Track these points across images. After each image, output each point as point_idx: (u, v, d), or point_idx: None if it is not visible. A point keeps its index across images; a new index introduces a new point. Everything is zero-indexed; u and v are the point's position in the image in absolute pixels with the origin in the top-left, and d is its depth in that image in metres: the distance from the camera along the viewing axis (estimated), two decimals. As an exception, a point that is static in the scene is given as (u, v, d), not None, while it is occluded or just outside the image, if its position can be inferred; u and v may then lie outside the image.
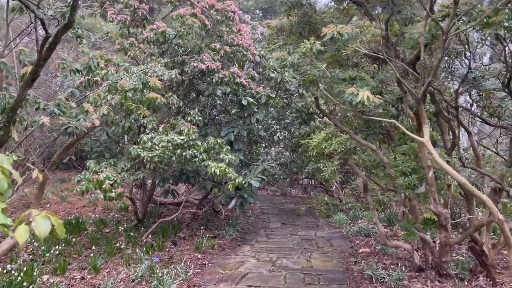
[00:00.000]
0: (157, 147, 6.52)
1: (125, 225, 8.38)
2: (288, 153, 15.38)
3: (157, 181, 8.36)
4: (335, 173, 5.78)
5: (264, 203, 13.26)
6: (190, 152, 6.89)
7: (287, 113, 13.36)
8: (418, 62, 4.94)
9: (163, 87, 8.33)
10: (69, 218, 8.61)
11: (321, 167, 5.95)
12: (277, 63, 7.52)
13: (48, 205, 11.35)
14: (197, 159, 7.08)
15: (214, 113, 10.99)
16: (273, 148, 16.94)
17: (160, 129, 6.96)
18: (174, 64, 8.40)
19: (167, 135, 6.92)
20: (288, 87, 9.35)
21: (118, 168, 7.03)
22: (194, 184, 8.61)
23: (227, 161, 7.28)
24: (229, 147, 7.61)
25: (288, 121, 13.27)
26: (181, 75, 8.62)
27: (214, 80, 8.00)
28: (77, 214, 9.38)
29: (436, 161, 4.11)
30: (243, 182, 7.37)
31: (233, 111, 10.83)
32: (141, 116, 7.18)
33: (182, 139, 6.80)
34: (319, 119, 10.73)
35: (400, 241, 6.64)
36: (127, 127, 7.79)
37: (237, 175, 7.28)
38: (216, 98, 10.35)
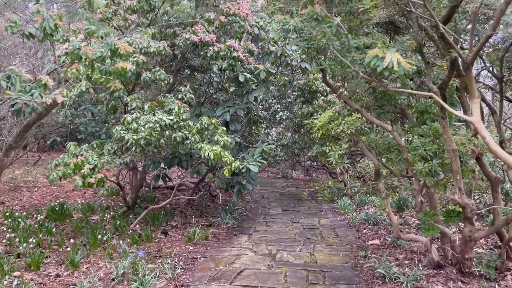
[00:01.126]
0: (142, 129, 5.82)
1: (113, 212, 7.77)
2: (289, 133, 14.70)
3: (147, 164, 7.69)
4: (343, 157, 5.07)
5: (264, 186, 12.64)
6: (181, 133, 6.18)
7: (288, 91, 12.58)
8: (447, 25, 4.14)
9: (152, 61, 7.55)
10: (55, 204, 7.99)
11: (327, 150, 5.24)
12: (277, 28, 6.69)
13: (36, 189, 10.76)
14: (188, 142, 6.40)
15: (211, 91, 10.24)
16: (274, 129, 16.25)
17: (146, 107, 6.23)
18: (163, 36, 7.60)
19: (154, 114, 6.21)
20: (290, 62, 8.58)
21: (105, 150, 6.35)
22: (187, 168, 7.95)
23: (222, 143, 6.60)
24: (224, 128, 6.90)
25: (290, 100, 12.50)
26: (172, 49, 7.84)
27: (208, 54, 7.21)
28: (64, 199, 8.77)
29: (490, 148, 3.36)
30: (241, 167, 6.70)
31: (231, 89, 10.08)
32: (122, 92, 6.46)
33: (171, 120, 6.08)
34: (322, 97, 9.95)
35: (413, 234, 6.00)
36: (111, 106, 7.07)
37: (233, 159, 6.60)
38: (213, 75, 9.60)
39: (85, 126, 9.45)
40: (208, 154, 6.26)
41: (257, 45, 8.73)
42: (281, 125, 15.08)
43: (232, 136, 7.51)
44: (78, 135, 9.79)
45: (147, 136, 5.79)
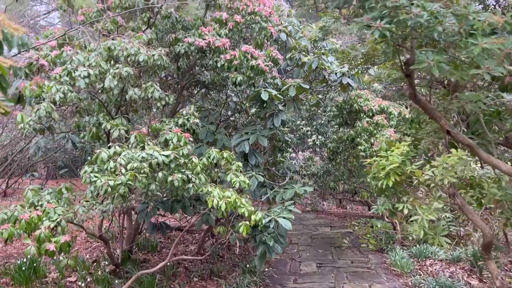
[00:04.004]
0: (123, 170, 3.99)
1: (99, 272, 5.94)
2: (317, 158, 12.69)
3: (140, 212, 5.85)
4: (438, 226, 3.04)
5: (292, 224, 10.56)
6: (180, 175, 4.33)
7: (319, 111, 10.67)
8: None
9: (153, 77, 5.81)
10: (24, 260, 6.23)
11: (404, 209, 3.24)
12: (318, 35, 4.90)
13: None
14: (191, 185, 4.54)
15: (228, 114, 8.45)
16: (300, 153, 14.29)
17: (132, 138, 4.43)
18: (164, 43, 5.89)
19: (143, 148, 4.41)
20: (327, 76, 6.69)
21: (88, 191, 4.57)
22: (193, 215, 6.07)
23: (237, 185, 4.72)
24: (240, 164, 5.02)
25: (322, 121, 10.56)
26: (176, 60, 6.11)
27: (219, 64, 5.42)
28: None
29: None
30: (265, 220, 4.78)
31: (252, 109, 8.25)
32: (102, 116, 4.72)
33: (166, 156, 4.25)
34: (367, 118, 7.95)
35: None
36: (92, 134, 5.33)
37: (253, 209, 4.70)
38: (231, 93, 7.84)
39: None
40: (218, 203, 4.39)
41: (284, 54, 6.92)
42: (309, 149, 13.11)
43: (253, 174, 5.61)
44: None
45: (130, 182, 3.96)
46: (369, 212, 12.20)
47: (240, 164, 5.04)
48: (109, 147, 4.18)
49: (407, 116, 8.53)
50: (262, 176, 5.81)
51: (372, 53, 3.78)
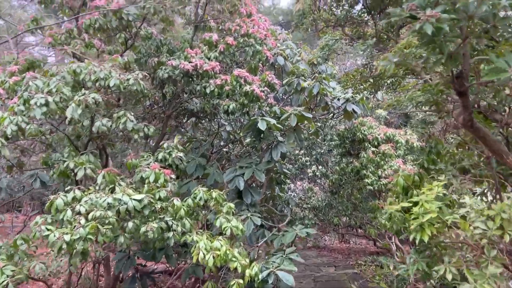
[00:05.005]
0: (83, 221, 3.19)
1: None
2: (317, 188, 11.86)
3: (115, 260, 4.98)
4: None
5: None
6: (156, 224, 3.53)
7: (318, 140, 9.97)
8: None
9: (123, 102, 5.11)
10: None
11: (445, 272, 2.44)
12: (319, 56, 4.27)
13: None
14: (171, 234, 3.73)
15: (221, 144, 7.73)
16: (299, 183, 13.46)
17: (99, 179, 3.65)
18: (145, 68, 5.24)
19: (113, 190, 3.62)
20: (329, 103, 6.02)
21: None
22: (177, 265, 5.20)
23: (228, 231, 3.93)
24: (232, 206, 4.23)
25: (322, 150, 9.83)
26: (161, 86, 5.45)
27: (208, 90, 4.74)
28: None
29: None
30: (263, 274, 3.94)
31: (247, 139, 7.55)
32: (67, 152, 3.96)
33: (138, 200, 3.46)
34: (372, 148, 7.23)
35: None
36: (59, 172, 4.55)
37: (247, 261, 3.87)
38: (225, 123, 7.17)
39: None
40: (204, 256, 3.57)
41: (281, 80, 6.28)
42: (307, 179, 12.30)
43: (248, 215, 4.80)
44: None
45: (91, 236, 3.14)
46: (375, 247, 11.30)
47: (232, 205, 4.25)
48: (67, 191, 3.40)
49: (415, 144, 7.86)
50: (259, 217, 5.00)
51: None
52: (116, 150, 6.71)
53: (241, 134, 6.99)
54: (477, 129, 2.29)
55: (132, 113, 4.29)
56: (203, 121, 7.39)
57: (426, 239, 2.42)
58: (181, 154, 4.29)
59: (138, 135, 4.29)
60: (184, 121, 6.94)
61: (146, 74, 4.53)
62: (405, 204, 2.72)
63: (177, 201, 3.88)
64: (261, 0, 11.80)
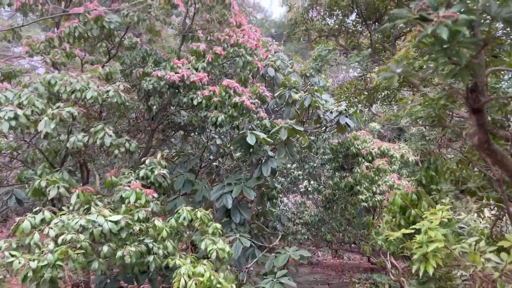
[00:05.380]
0: (51, 245, 2.89)
1: None
2: (309, 201, 11.57)
3: (95, 284, 4.64)
4: None
5: None
6: (133, 248, 3.23)
7: (311, 153, 9.74)
8: None
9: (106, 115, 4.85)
10: None
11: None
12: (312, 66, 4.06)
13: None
14: (152, 258, 3.43)
15: (211, 158, 7.46)
16: (291, 196, 13.17)
17: (73, 199, 3.35)
18: (129, 79, 5.00)
19: (87, 211, 3.33)
20: (322, 116, 5.81)
21: None
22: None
23: (214, 254, 3.64)
24: (219, 226, 3.94)
25: (315, 164, 9.59)
26: (146, 99, 5.20)
27: (195, 102, 4.50)
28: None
29: None
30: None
31: (237, 153, 7.31)
32: (41, 169, 3.67)
33: (115, 222, 3.17)
34: (366, 163, 7.00)
35: None
36: (35, 189, 4.24)
37: (233, 287, 3.57)
38: (215, 136, 6.92)
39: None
40: (186, 283, 3.27)
41: (272, 92, 6.07)
42: (300, 193, 12.02)
43: (236, 236, 4.51)
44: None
45: (59, 262, 2.84)
46: (369, 263, 11.00)
47: (219, 225, 3.96)
48: (36, 212, 3.10)
49: (410, 159, 7.65)
50: (249, 239, 4.71)
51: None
52: (98, 165, 6.40)
53: (231, 148, 6.74)
54: (493, 152, 2.01)
55: (112, 128, 4.02)
56: (192, 134, 7.14)
57: (431, 271, 2.17)
58: (165, 171, 4.01)
59: (119, 151, 4.02)
60: (172, 134, 6.67)
61: (129, 86, 4.29)
62: (407, 231, 2.47)
63: (158, 222, 3.60)
64: (254, 12, 11.70)
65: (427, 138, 3.39)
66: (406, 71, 1.59)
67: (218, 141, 6.92)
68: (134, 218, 3.33)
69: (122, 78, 5.17)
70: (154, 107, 5.60)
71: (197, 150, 7.22)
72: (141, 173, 3.91)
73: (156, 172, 3.92)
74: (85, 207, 3.39)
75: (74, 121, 3.66)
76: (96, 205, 3.43)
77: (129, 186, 3.64)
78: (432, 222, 2.22)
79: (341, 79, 12.74)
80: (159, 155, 4.18)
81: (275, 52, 7.07)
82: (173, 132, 6.65)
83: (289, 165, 10.41)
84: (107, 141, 3.57)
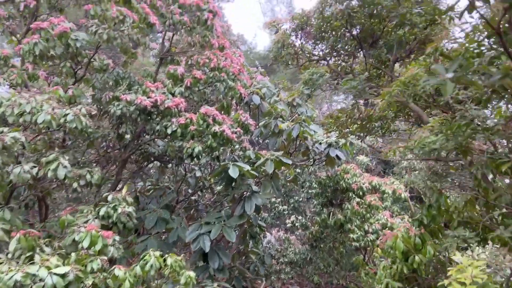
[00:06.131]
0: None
1: None
2: (293, 236, 10.92)
3: None
4: None
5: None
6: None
7: (296, 187, 9.25)
8: None
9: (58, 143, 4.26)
10: None
11: None
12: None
13: None
14: (108, 319, 2.78)
15: (189, 191, 6.88)
16: (274, 231, 12.48)
17: (12, 244, 2.72)
18: (99, 102, 4.49)
19: (30, 260, 2.70)
20: (310, 147, 5.38)
21: None
22: None
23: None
24: (192, 275, 3.34)
25: (301, 198, 9.08)
26: (118, 126, 4.67)
27: (169, 130, 3.99)
28: None
29: None
30: None
31: (218, 187, 6.78)
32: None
33: (62, 275, 2.55)
34: (357, 199, 6.53)
35: None
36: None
37: None
38: (195, 167, 6.42)
39: None
40: None
41: (257, 120, 5.64)
42: (284, 229, 11.38)
43: (214, 285, 3.88)
44: None
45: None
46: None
47: (192, 274, 3.35)
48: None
49: (402, 195, 7.23)
50: (229, 285, 4.09)
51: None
52: (62, 200, 5.73)
53: (211, 180, 6.21)
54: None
55: (73, 157, 3.46)
56: (169, 165, 6.59)
57: None
58: (131, 209, 3.42)
59: (78, 184, 3.44)
60: (146, 165, 6.11)
61: (95, 111, 3.76)
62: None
63: (119, 271, 2.97)
64: (237, 43, 11.54)
65: (438, 174, 2.95)
66: (461, 76, 1.16)
67: (198, 173, 6.40)
68: (87, 270, 2.71)
69: (92, 103, 4.67)
70: (128, 135, 5.06)
71: (174, 182, 6.65)
72: (102, 211, 3.31)
73: (119, 211, 3.33)
74: (28, 254, 2.76)
75: (24, 149, 3.09)
76: (42, 251, 2.81)
77: (84, 228, 3.04)
78: (463, 284, 1.72)
79: (325, 111, 12.51)
80: (124, 190, 3.60)
81: (261, 81, 6.72)
82: (147, 163, 6.09)
83: (273, 199, 9.86)
84: (61, 173, 2.99)
